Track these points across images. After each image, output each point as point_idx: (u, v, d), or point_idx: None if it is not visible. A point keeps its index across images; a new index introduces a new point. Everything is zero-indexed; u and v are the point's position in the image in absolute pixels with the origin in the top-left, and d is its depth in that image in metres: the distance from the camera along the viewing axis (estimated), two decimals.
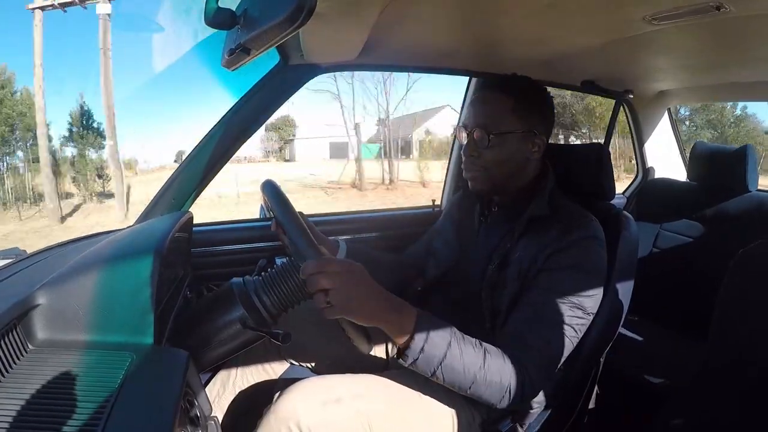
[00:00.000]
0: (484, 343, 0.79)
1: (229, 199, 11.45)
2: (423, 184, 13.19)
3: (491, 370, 0.77)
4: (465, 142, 0.97)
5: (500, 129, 0.92)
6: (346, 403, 0.81)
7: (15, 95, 13.00)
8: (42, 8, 10.10)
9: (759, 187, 1.68)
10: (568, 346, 0.84)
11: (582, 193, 1.06)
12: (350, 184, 13.86)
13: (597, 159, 1.09)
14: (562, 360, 0.84)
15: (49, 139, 11.54)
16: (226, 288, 0.82)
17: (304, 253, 0.74)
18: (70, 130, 14.24)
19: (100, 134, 13.96)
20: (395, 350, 0.78)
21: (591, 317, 0.86)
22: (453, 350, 0.75)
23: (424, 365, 0.75)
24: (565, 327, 0.83)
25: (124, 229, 1.13)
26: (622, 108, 2.12)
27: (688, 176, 1.85)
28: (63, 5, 10.21)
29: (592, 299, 0.85)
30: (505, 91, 0.94)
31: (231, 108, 1.23)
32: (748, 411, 0.79)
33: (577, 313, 0.84)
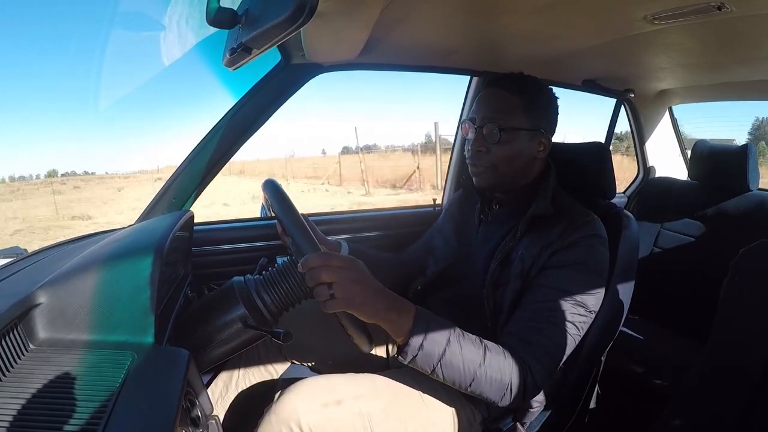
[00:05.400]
0: (484, 340, 0.79)
1: None
2: None
3: (492, 367, 0.76)
4: (472, 136, 0.96)
5: (510, 125, 0.92)
6: (347, 403, 0.81)
7: None
8: None
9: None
10: (570, 344, 0.83)
11: (582, 192, 1.06)
12: None
13: (597, 158, 1.09)
14: (564, 358, 0.84)
15: None
16: (227, 287, 0.82)
17: (306, 252, 0.74)
18: None
19: None
20: (395, 348, 0.77)
21: (593, 315, 0.86)
22: (452, 347, 0.75)
23: (423, 362, 0.75)
24: (567, 324, 0.83)
25: (124, 228, 1.13)
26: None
27: (689, 175, 1.85)
28: None
29: (593, 297, 0.85)
30: (514, 90, 0.94)
31: (232, 107, 1.23)
32: (749, 411, 0.79)
33: (579, 310, 0.84)
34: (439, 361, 0.75)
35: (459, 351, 0.75)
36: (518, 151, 0.94)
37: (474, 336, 0.79)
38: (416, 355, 0.74)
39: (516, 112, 0.93)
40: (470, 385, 0.77)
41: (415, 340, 0.73)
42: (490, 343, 0.79)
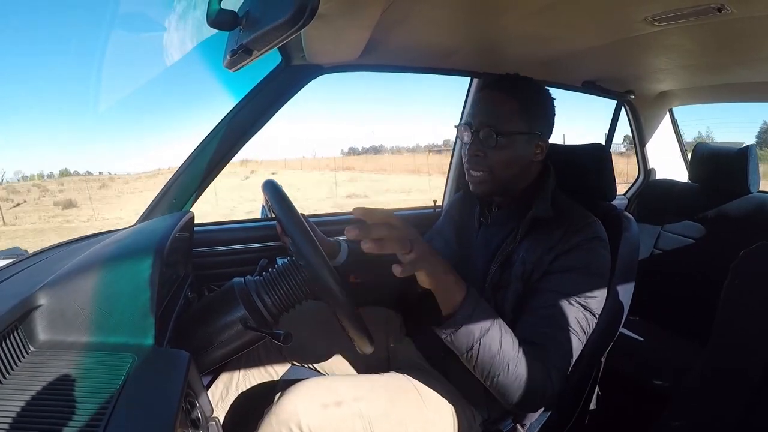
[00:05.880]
0: (517, 338, 0.79)
1: None
2: None
3: (522, 364, 0.76)
4: (469, 141, 0.95)
5: (507, 129, 0.91)
6: (347, 405, 0.81)
7: None
8: None
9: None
10: (578, 349, 0.83)
11: (583, 194, 1.06)
12: None
13: (598, 160, 1.09)
14: (573, 362, 0.84)
15: None
16: (228, 288, 0.82)
17: (306, 253, 0.74)
18: None
19: None
20: (437, 320, 0.77)
21: (596, 318, 0.86)
22: (494, 331, 0.75)
23: (463, 338, 0.74)
24: (576, 329, 0.83)
25: (125, 229, 1.13)
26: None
27: (690, 177, 1.85)
28: None
29: (597, 300, 0.85)
30: (509, 92, 0.93)
31: (232, 109, 1.23)
32: (749, 412, 0.79)
33: (586, 314, 0.84)
34: (479, 339, 0.74)
35: (499, 337, 0.75)
36: (515, 156, 0.93)
37: (511, 330, 0.79)
38: (459, 328, 0.74)
39: (512, 115, 0.91)
40: (498, 375, 0.76)
41: (464, 312, 0.74)
42: (522, 343, 0.79)
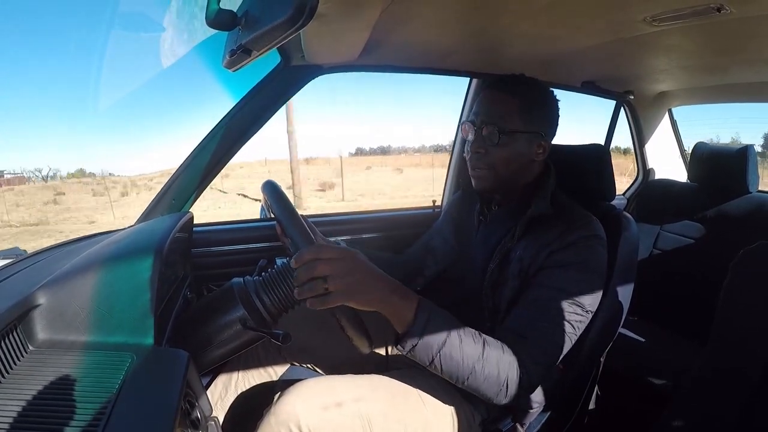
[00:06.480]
0: (483, 335, 0.79)
1: None
2: None
3: (489, 363, 0.76)
4: (471, 138, 0.96)
5: (509, 128, 0.92)
6: (347, 405, 0.81)
7: None
8: None
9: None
10: (567, 343, 0.83)
11: (582, 194, 1.06)
12: None
13: (597, 160, 1.09)
14: (561, 357, 0.84)
15: None
16: (227, 288, 0.82)
17: None
18: None
19: None
20: (395, 340, 0.77)
21: (590, 315, 0.86)
22: (452, 339, 0.75)
23: (422, 352, 0.75)
24: (564, 323, 0.82)
25: (124, 229, 1.13)
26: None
27: (689, 177, 1.85)
28: None
29: (591, 297, 0.85)
30: (513, 92, 0.94)
31: (231, 109, 1.23)
32: (749, 412, 0.78)
33: (576, 309, 0.83)
34: (439, 351, 0.74)
35: (459, 344, 0.75)
36: (516, 154, 0.94)
37: (473, 330, 0.79)
38: (416, 345, 0.74)
39: (515, 114, 0.92)
40: (467, 379, 0.77)
41: (417, 328, 0.73)
42: (488, 338, 0.79)
